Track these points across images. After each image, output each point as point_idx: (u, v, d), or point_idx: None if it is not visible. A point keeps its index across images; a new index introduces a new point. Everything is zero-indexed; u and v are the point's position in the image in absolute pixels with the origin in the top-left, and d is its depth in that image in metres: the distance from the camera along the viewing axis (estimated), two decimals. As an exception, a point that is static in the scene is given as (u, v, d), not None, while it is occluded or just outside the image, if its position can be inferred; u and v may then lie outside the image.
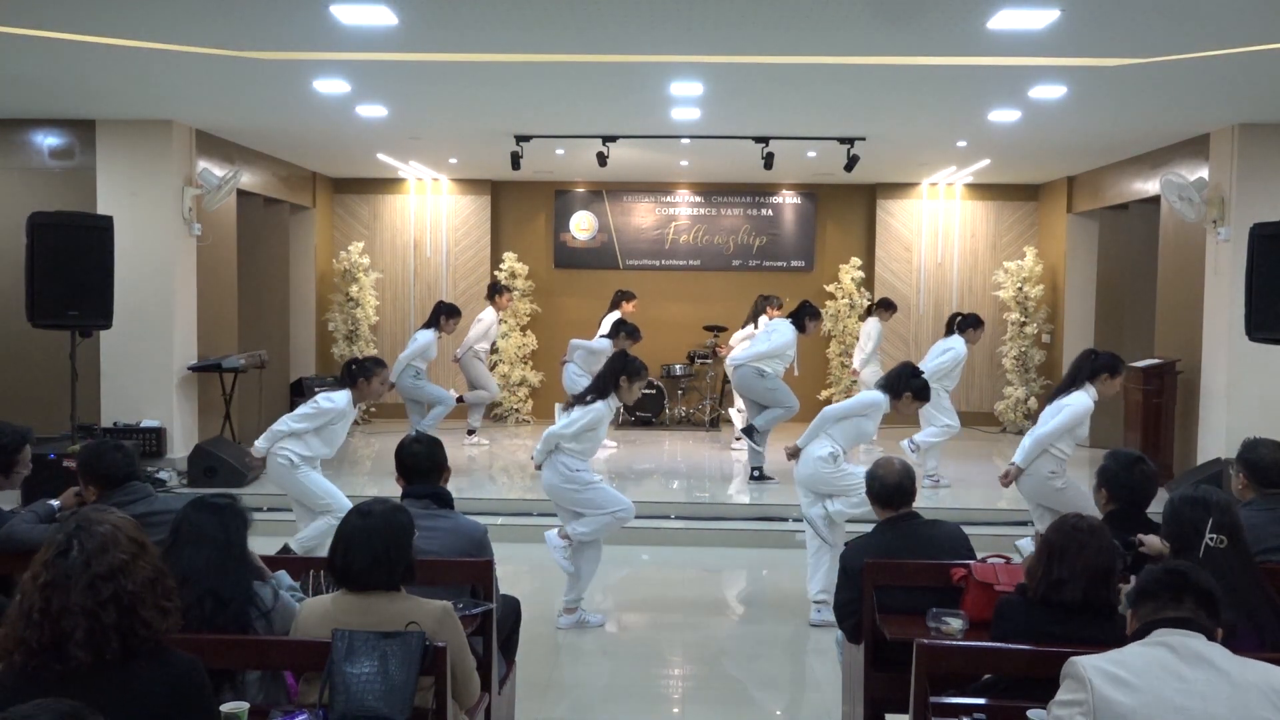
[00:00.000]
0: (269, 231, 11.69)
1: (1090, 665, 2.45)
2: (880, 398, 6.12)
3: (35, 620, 2.34)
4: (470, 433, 11.14)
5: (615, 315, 10.83)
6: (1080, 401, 5.90)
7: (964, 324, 9.35)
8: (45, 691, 2.07)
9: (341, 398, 6.15)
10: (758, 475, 9.35)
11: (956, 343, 9.18)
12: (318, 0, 5.49)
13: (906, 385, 6.12)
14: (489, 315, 11.08)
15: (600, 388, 6.09)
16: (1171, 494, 3.54)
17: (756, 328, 10.86)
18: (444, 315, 10.14)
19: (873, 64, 6.74)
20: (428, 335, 10.04)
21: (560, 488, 6.08)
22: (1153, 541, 3.80)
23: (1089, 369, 6.02)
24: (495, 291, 11.24)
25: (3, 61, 7.07)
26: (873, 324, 11.25)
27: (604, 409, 6.02)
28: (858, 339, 12.08)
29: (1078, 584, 3.13)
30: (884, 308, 11.39)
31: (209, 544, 3.24)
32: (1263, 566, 3.56)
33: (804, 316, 9.31)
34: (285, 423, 6.18)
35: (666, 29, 5.96)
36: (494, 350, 12.15)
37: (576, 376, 9.88)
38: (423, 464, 4.34)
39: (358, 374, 6.19)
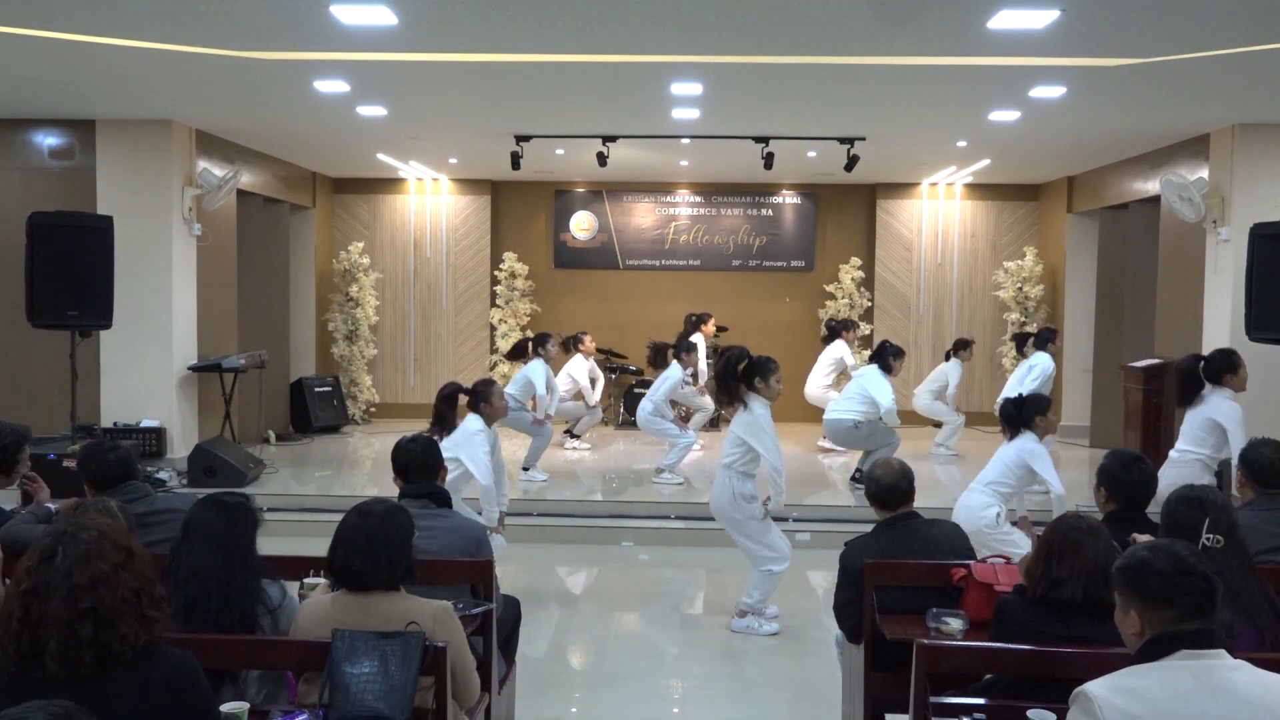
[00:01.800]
0: (269, 231, 11.69)
1: (1105, 702, 2.29)
2: (1038, 447, 6.01)
3: (14, 628, 2.32)
4: (574, 435, 11.01)
5: (697, 337, 10.77)
6: (1232, 411, 6.07)
7: (1043, 339, 9.34)
8: (36, 695, 2.05)
9: (474, 422, 6.10)
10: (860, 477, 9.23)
11: (1041, 358, 9.08)
12: (318, 0, 5.49)
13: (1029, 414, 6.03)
14: (572, 362, 10.61)
15: (732, 398, 5.88)
16: (1168, 496, 3.53)
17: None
18: (541, 346, 9.45)
19: (873, 64, 6.74)
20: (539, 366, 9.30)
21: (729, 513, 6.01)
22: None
23: (1215, 373, 6.12)
24: (576, 342, 10.64)
25: (3, 61, 7.07)
26: (954, 367, 10.85)
27: (766, 413, 5.86)
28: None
29: (1077, 583, 3.13)
30: (963, 348, 10.93)
31: (216, 542, 3.25)
32: (1263, 567, 3.56)
33: (887, 357, 9.14)
34: (482, 479, 5.98)
35: (666, 29, 5.96)
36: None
37: (649, 415, 9.76)
38: (420, 464, 4.34)
39: (478, 398, 6.17)
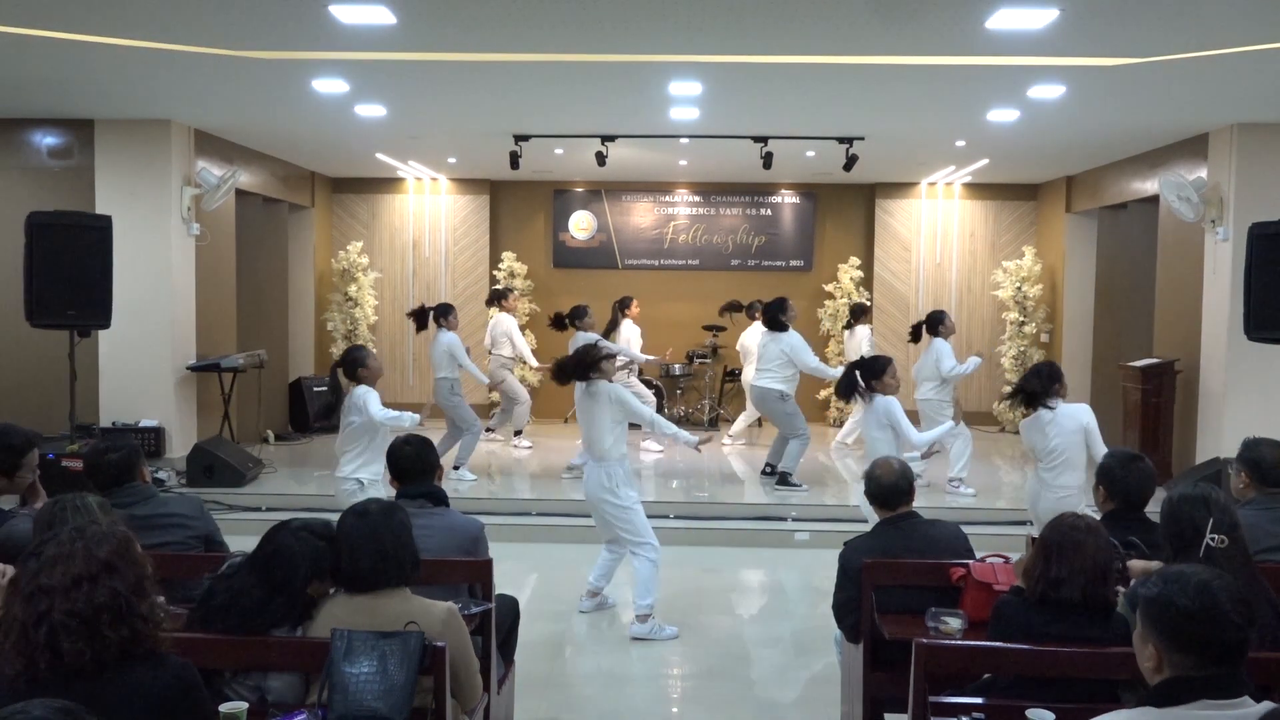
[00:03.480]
0: (268, 231, 11.69)
1: None
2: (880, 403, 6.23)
3: None
4: (517, 433, 11.08)
5: (628, 324, 10.87)
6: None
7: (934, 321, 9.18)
8: (32, 692, 2.02)
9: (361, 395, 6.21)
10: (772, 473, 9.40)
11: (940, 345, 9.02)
12: (317, 0, 5.49)
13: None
14: (497, 320, 10.87)
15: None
16: (1170, 494, 3.51)
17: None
18: (443, 317, 9.64)
19: (872, 64, 6.74)
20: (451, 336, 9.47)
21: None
22: (1138, 566, 3.64)
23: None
24: (500, 296, 11.04)
25: (3, 61, 7.06)
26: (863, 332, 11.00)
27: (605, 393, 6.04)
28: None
29: (1076, 583, 3.13)
30: (862, 314, 11.16)
31: (267, 580, 3.16)
32: (1262, 566, 3.55)
33: (778, 314, 9.31)
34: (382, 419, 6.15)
35: (666, 29, 5.96)
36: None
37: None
38: (415, 465, 4.34)
39: (354, 365, 6.26)
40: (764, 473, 9.61)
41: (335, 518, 3.31)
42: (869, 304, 11.47)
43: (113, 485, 4.19)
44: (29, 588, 2.31)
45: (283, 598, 3.14)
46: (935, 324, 9.14)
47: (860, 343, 10.75)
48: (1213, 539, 3.23)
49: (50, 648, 2.28)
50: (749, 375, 10.61)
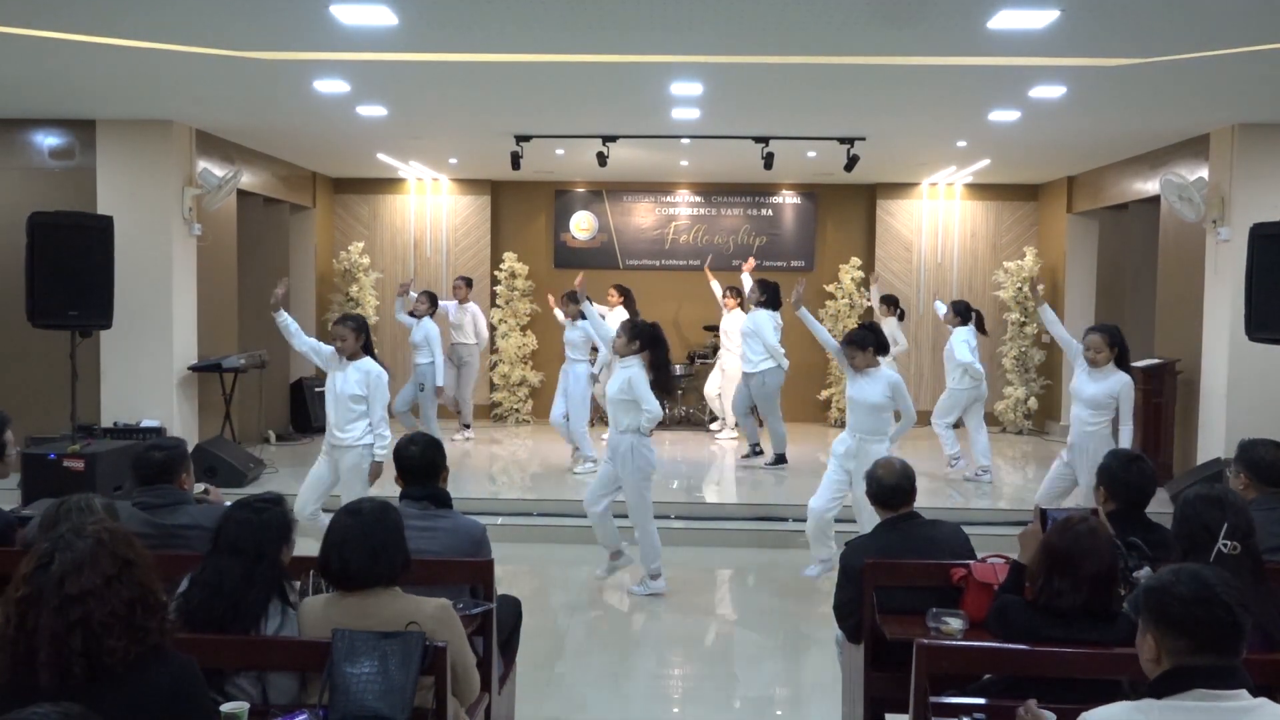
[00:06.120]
0: (269, 231, 11.68)
1: None
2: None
3: (10, 635, 2.30)
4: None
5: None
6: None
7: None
8: (29, 704, 2.02)
9: None
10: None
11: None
12: (318, 0, 5.49)
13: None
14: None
15: None
16: (1185, 492, 3.48)
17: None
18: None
19: (873, 64, 6.74)
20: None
21: None
22: None
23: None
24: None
25: (3, 61, 7.07)
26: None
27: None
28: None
29: (1081, 590, 3.12)
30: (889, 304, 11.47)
31: (242, 554, 3.16)
32: (1265, 566, 3.55)
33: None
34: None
35: (666, 29, 5.96)
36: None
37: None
38: (419, 465, 4.31)
39: None
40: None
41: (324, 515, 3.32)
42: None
43: (146, 484, 4.19)
44: (55, 597, 2.30)
45: (262, 566, 3.15)
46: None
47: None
48: (1225, 545, 3.20)
49: (85, 653, 2.28)
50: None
